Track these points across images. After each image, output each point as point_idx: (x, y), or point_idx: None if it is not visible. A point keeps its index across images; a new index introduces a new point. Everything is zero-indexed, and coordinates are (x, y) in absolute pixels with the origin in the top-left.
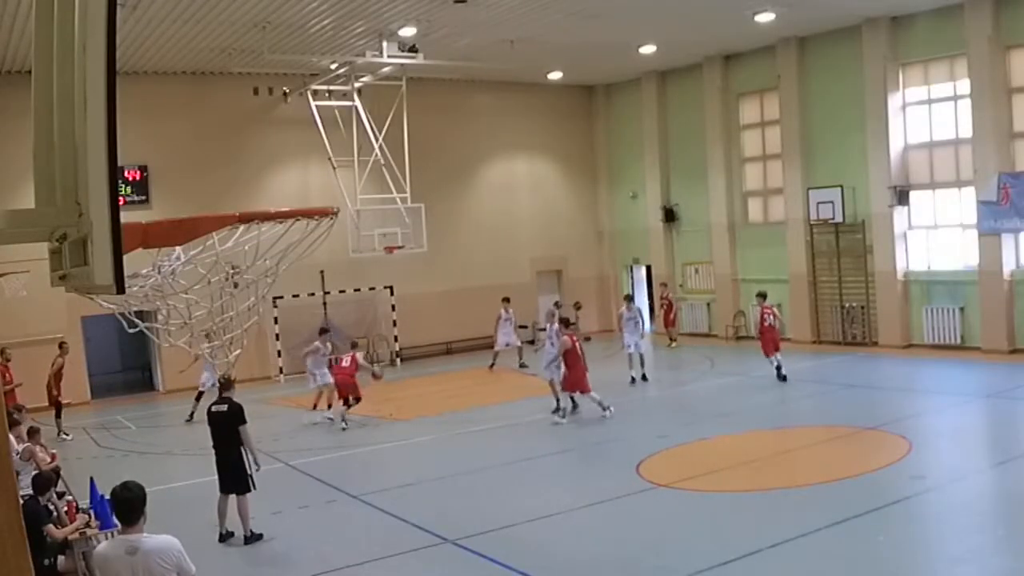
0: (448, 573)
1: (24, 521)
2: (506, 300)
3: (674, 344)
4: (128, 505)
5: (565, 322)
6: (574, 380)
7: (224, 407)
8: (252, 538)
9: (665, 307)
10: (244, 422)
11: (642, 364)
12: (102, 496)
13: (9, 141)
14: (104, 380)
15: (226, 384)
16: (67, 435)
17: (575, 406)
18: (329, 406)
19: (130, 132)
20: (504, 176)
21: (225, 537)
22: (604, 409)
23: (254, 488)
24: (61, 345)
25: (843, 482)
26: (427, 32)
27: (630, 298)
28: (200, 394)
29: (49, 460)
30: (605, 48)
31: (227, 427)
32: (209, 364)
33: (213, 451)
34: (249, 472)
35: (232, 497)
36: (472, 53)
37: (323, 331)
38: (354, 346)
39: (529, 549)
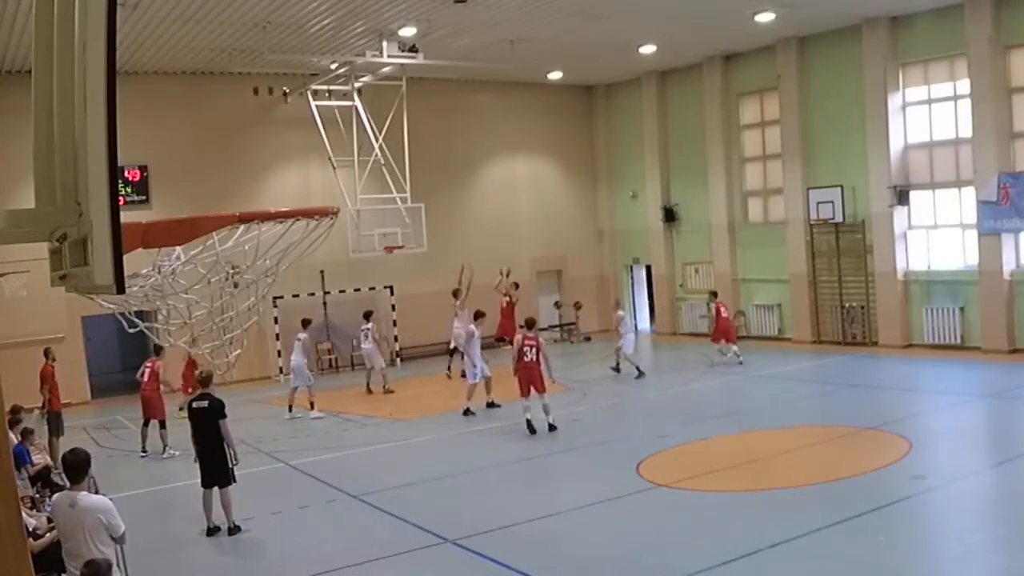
0: (448, 573)
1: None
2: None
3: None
4: (75, 467)
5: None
6: None
7: (205, 403)
8: (235, 530)
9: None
10: (224, 417)
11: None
12: None
13: (9, 141)
14: (104, 380)
15: (205, 380)
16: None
17: None
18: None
19: (130, 132)
20: (504, 176)
21: (212, 531)
22: None
23: (234, 481)
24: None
25: (843, 482)
26: (427, 32)
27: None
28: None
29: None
30: (605, 48)
31: (209, 423)
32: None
33: (194, 446)
34: (230, 465)
35: (215, 490)
36: (472, 53)
37: (305, 322)
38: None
39: (529, 549)
